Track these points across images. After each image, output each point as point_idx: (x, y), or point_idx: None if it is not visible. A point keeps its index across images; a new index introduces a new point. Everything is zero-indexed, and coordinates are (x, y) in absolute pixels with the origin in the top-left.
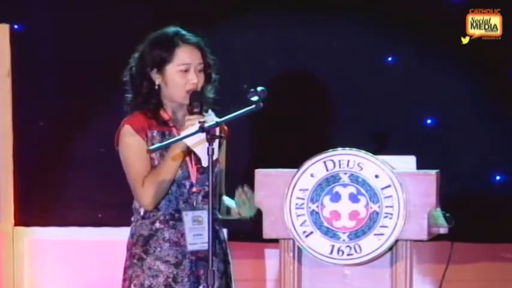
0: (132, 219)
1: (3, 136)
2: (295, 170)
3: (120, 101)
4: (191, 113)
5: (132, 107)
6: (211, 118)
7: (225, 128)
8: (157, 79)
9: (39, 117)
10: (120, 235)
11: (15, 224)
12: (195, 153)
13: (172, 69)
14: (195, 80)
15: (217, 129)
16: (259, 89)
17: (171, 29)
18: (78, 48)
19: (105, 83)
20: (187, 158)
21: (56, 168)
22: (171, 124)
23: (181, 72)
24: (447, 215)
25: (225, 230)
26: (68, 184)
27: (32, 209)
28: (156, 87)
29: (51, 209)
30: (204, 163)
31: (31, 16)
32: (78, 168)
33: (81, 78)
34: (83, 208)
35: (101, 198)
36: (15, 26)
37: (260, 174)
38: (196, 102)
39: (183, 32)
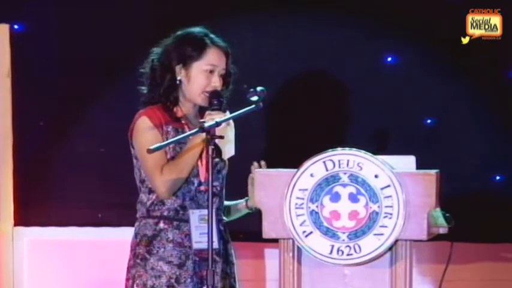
0: (137, 215)
1: (3, 136)
2: (295, 170)
3: (120, 101)
4: (212, 109)
5: (149, 99)
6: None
7: None
8: (180, 74)
9: (39, 117)
10: (120, 235)
11: (15, 224)
12: (214, 146)
13: (198, 67)
14: (217, 83)
15: (218, 130)
16: (259, 89)
17: (200, 29)
18: (78, 48)
19: (105, 83)
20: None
21: (55, 168)
22: (183, 121)
23: (206, 73)
24: (447, 215)
25: None
26: (68, 184)
27: (32, 209)
28: (177, 82)
29: (51, 209)
30: (224, 155)
31: (31, 16)
32: (78, 168)
33: (81, 78)
34: (83, 208)
35: (101, 198)
36: (15, 26)
37: (260, 174)
38: (217, 99)
39: (212, 34)
